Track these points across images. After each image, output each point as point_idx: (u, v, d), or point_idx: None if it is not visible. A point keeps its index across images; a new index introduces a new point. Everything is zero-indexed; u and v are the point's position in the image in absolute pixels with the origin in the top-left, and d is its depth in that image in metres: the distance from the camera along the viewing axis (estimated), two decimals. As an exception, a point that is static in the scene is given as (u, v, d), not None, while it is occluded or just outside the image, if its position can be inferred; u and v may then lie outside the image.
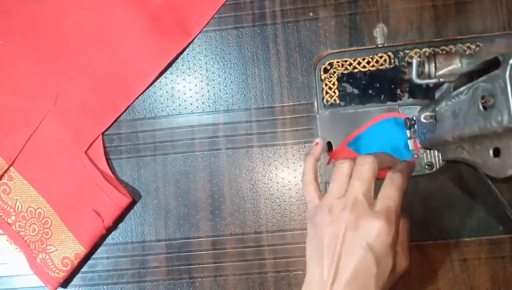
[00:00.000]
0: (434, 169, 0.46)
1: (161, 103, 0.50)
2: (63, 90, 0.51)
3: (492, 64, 0.29)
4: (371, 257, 0.34)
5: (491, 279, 0.45)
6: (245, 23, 0.50)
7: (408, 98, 0.47)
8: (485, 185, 0.37)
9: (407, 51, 0.48)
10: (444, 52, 0.47)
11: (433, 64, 0.36)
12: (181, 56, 0.50)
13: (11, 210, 0.50)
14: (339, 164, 0.38)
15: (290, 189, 0.48)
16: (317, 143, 0.43)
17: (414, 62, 0.37)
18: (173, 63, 0.50)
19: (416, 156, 0.46)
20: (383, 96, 0.47)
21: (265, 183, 0.49)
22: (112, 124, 0.50)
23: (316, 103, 0.48)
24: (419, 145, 0.46)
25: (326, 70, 0.48)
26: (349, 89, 0.48)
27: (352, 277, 0.34)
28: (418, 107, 0.46)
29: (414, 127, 0.45)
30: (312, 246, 0.37)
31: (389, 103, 0.47)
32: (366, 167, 0.36)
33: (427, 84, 0.37)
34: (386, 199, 0.36)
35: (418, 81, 0.37)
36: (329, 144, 0.47)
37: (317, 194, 0.39)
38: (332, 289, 0.34)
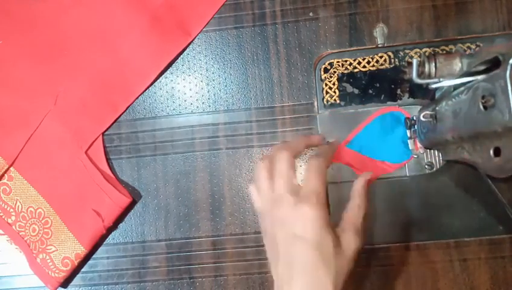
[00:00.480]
0: (434, 169, 0.46)
1: (161, 103, 0.50)
2: (63, 90, 0.51)
3: (493, 64, 0.29)
4: (305, 245, 0.33)
5: (491, 279, 0.45)
6: (245, 23, 0.50)
7: (408, 98, 0.47)
8: (485, 185, 0.37)
9: (407, 51, 0.48)
10: (444, 52, 0.47)
11: (433, 64, 0.36)
12: (181, 56, 0.50)
13: (11, 210, 0.50)
14: (258, 164, 0.38)
15: (290, 189, 0.48)
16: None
17: (414, 62, 0.37)
18: (173, 63, 0.50)
19: (415, 156, 0.46)
20: (383, 96, 0.47)
21: (265, 183, 0.48)
22: (112, 124, 0.50)
23: (316, 103, 0.48)
24: (419, 145, 0.46)
25: (326, 70, 0.48)
26: (349, 89, 0.48)
27: (302, 269, 0.33)
28: (418, 107, 0.46)
29: (414, 127, 0.45)
30: (267, 245, 0.37)
31: (389, 102, 0.47)
32: (282, 163, 0.36)
33: (427, 84, 0.37)
34: (306, 184, 0.35)
35: (418, 81, 0.37)
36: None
37: (256, 196, 0.39)
38: (291, 288, 0.33)
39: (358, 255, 0.43)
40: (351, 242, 0.34)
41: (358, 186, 0.38)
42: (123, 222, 0.50)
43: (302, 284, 0.33)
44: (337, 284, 0.33)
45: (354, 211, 0.37)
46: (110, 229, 0.49)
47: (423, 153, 0.46)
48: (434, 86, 0.36)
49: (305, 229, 0.33)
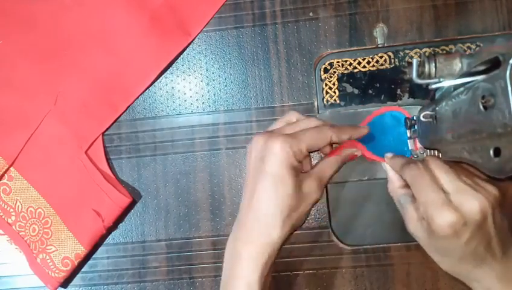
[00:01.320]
0: (434, 169, 0.46)
1: (161, 103, 0.50)
2: (63, 90, 0.51)
3: (493, 64, 0.29)
4: (266, 178, 0.34)
5: (491, 279, 0.45)
6: (245, 23, 0.50)
7: (408, 98, 0.47)
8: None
9: (407, 51, 0.48)
10: (444, 52, 0.47)
11: (433, 64, 0.36)
12: (181, 56, 0.50)
13: (11, 210, 0.50)
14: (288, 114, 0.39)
15: (290, 189, 0.48)
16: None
17: (414, 62, 0.37)
18: (173, 63, 0.50)
19: (415, 156, 0.46)
20: (383, 96, 0.47)
21: (265, 183, 0.48)
22: (112, 124, 0.50)
23: (316, 103, 0.48)
24: (419, 145, 0.46)
25: (326, 70, 0.48)
26: (349, 89, 0.48)
27: (258, 202, 0.34)
28: (418, 107, 0.46)
29: (414, 127, 0.45)
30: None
31: (389, 102, 0.47)
32: (310, 122, 0.37)
33: (427, 84, 0.37)
34: (299, 130, 0.36)
35: (418, 81, 0.37)
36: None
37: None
38: (246, 218, 0.35)
39: (358, 255, 0.43)
40: (311, 190, 0.36)
41: (346, 152, 0.39)
42: (123, 222, 0.50)
43: (254, 218, 0.35)
44: (286, 225, 0.34)
45: (326, 164, 0.38)
46: (110, 229, 0.49)
47: (423, 153, 0.46)
48: (434, 86, 0.36)
49: (270, 163, 0.34)
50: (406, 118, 0.46)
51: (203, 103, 0.50)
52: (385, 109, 0.47)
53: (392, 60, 0.48)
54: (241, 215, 0.36)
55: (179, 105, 0.50)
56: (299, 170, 0.35)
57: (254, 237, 0.35)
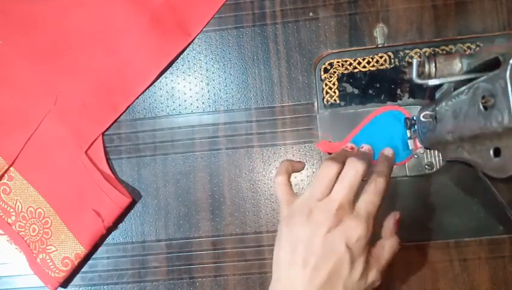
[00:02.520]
0: (434, 169, 0.46)
1: (161, 103, 0.50)
2: (63, 90, 0.51)
3: (493, 65, 0.29)
4: (348, 258, 0.34)
5: (491, 279, 0.45)
6: (245, 23, 0.50)
7: (408, 98, 0.47)
8: (485, 185, 0.37)
9: (407, 51, 0.48)
10: (444, 52, 0.47)
11: (433, 64, 0.36)
12: (181, 56, 0.50)
13: (11, 210, 0.50)
14: (326, 165, 0.37)
15: (290, 189, 0.48)
16: (352, 147, 0.43)
17: (414, 62, 0.37)
18: (173, 63, 0.50)
19: (415, 156, 0.46)
20: (383, 96, 0.47)
21: (265, 183, 0.49)
22: (112, 124, 0.50)
23: (316, 103, 0.48)
24: (419, 145, 0.46)
25: (326, 70, 0.48)
26: (349, 89, 0.48)
27: (328, 276, 0.34)
28: (418, 107, 0.46)
29: (414, 127, 0.45)
30: (284, 246, 0.36)
31: (389, 102, 0.47)
32: (357, 173, 0.36)
33: (427, 84, 0.37)
34: (369, 203, 0.36)
35: (418, 81, 0.37)
36: (329, 144, 0.47)
37: (292, 196, 0.38)
38: (308, 288, 0.34)
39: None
40: (374, 277, 0.36)
41: (389, 225, 0.39)
42: (123, 222, 0.50)
43: (325, 274, 0.34)
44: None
45: (384, 250, 0.38)
46: (110, 229, 0.49)
47: (423, 153, 0.46)
48: (431, 83, 0.36)
49: (355, 244, 0.34)
50: (406, 118, 0.46)
51: (203, 103, 0.50)
52: (385, 109, 0.47)
53: (392, 60, 0.48)
54: (298, 276, 0.35)
55: (179, 105, 0.50)
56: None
57: None
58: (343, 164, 0.37)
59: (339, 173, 0.37)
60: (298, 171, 0.41)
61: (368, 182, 0.37)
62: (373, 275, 0.36)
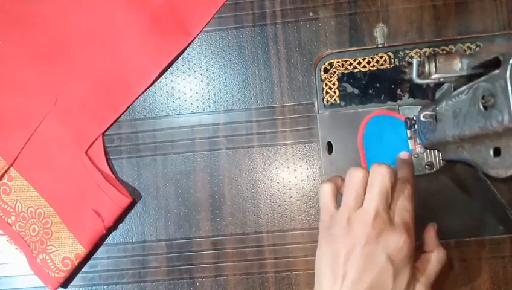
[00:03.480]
0: (434, 169, 0.46)
1: (161, 103, 0.50)
2: (63, 90, 0.51)
3: (493, 64, 0.29)
4: (390, 269, 0.33)
5: (491, 279, 0.45)
6: (245, 23, 0.50)
7: (408, 98, 0.47)
8: (485, 185, 0.37)
9: (407, 51, 0.48)
10: (444, 52, 0.47)
11: (433, 64, 0.36)
12: (181, 56, 0.50)
13: (11, 210, 0.50)
14: (353, 172, 0.36)
15: (290, 189, 0.48)
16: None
17: (414, 62, 0.37)
18: (173, 63, 0.50)
19: (416, 156, 0.46)
20: (383, 96, 0.47)
21: (265, 183, 0.49)
22: (112, 124, 0.50)
23: (316, 103, 0.48)
24: (419, 145, 0.46)
25: (326, 70, 0.48)
26: (349, 89, 0.48)
27: (370, 288, 0.33)
28: (418, 107, 0.46)
29: (414, 127, 0.45)
30: (325, 258, 0.36)
31: (389, 102, 0.47)
32: (385, 176, 0.35)
33: (427, 84, 0.37)
34: (403, 211, 0.35)
35: (418, 81, 0.37)
36: (329, 144, 0.47)
37: (335, 203, 0.37)
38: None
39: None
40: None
41: (431, 236, 0.39)
42: (123, 222, 0.50)
43: (367, 287, 0.33)
44: None
45: (433, 266, 0.37)
46: (110, 229, 0.49)
47: (423, 153, 0.46)
48: (433, 77, 0.36)
49: (397, 255, 0.34)
50: (406, 118, 0.46)
51: (203, 103, 0.50)
52: (382, 112, 0.47)
53: (392, 60, 0.48)
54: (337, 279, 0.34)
55: (179, 105, 0.50)
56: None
57: None
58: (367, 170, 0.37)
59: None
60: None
61: (396, 190, 0.36)
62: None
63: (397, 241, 0.34)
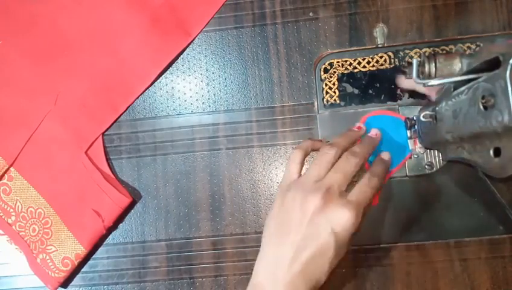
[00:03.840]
0: (434, 169, 0.46)
1: (161, 103, 0.50)
2: (63, 90, 0.51)
3: (493, 64, 0.29)
4: (332, 242, 0.35)
5: (491, 279, 0.45)
6: (245, 23, 0.50)
7: (408, 98, 0.47)
8: (485, 185, 0.37)
9: (407, 51, 0.48)
10: (444, 52, 0.47)
11: (433, 64, 0.36)
12: (181, 56, 0.50)
13: (11, 210, 0.50)
14: (326, 150, 0.39)
15: (290, 189, 0.48)
16: (321, 140, 0.45)
17: (414, 62, 0.37)
18: (173, 63, 0.50)
19: (415, 156, 0.46)
20: (383, 96, 0.47)
21: (265, 183, 0.49)
22: (112, 124, 0.50)
23: (316, 103, 0.48)
24: (419, 145, 0.46)
25: (326, 70, 0.48)
26: (349, 89, 0.48)
27: (311, 256, 0.35)
28: (418, 107, 0.46)
29: (414, 127, 0.45)
30: (275, 220, 0.38)
31: (389, 102, 0.47)
32: (352, 166, 0.38)
33: (427, 85, 0.37)
34: (360, 193, 0.37)
35: (418, 81, 0.37)
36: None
37: (299, 172, 0.40)
38: (292, 265, 0.35)
39: (358, 255, 0.43)
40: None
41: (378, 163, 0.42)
42: (123, 222, 0.50)
43: (309, 254, 0.35)
44: (329, 271, 0.37)
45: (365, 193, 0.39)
46: (110, 229, 0.49)
47: (423, 153, 0.46)
48: (431, 83, 0.36)
49: (341, 230, 0.35)
50: (406, 118, 0.46)
51: (203, 103, 0.50)
52: (381, 112, 0.47)
53: (392, 60, 0.48)
54: (288, 255, 0.36)
55: (179, 105, 0.50)
56: None
57: (306, 280, 0.36)
58: (345, 149, 0.40)
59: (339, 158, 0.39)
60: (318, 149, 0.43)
61: (363, 177, 0.39)
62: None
63: (342, 216, 0.35)
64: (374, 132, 0.44)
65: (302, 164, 0.41)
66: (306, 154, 0.42)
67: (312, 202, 0.36)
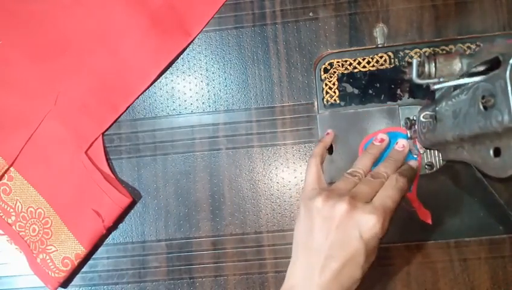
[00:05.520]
0: (434, 169, 0.46)
1: (161, 103, 0.50)
2: (63, 90, 0.51)
3: (493, 64, 0.29)
4: (362, 248, 0.34)
5: (491, 279, 0.45)
6: (245, 23, 0.50)
7: (408, 98, 0.47)
8: (485, 185, 0.37)
9: (407, 51, 0.48)
10: (444, 52, 0.47)
11: (433, 64, 0.36)
12: (181, 56, 0.50)
13: (11, 210, 0.50)
14: (350, 173, 0.40)
15: (290, 189, 0.48)
16: (328, 133, 0.46)
17: (414, 62, 0.37)
18: (173, 63, 0.50)
19: (416, 156, 0.46)
20: (383, 96, 0.47)
21: (265, 183, 0.49)
22: (112, 124, 0.50)
23: (316, 103, 0.48)
24: (419, 145, 0.46)
25: (326, 70, 0.48)
26: (349, 89, 0.48)
27: (342, 265, 0.34)
28: (418, 107, 0.46)
29: (414, 127, 0.45)
30: (302, 229, 0.38)
31: (389, 102, 0.47)
32: (377, 184, 0.38)
33: (427, 84, 0.37)
34: (387, 197, 0.37)
35: (418, 81, 0.37)
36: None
37: (318, 179, 0.40)
38: (321, 274, 0.35)
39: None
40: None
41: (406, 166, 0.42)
42: (123, 222, 0.50)
43: (340, 261, 0.35)
44: (361, 278, 0.36)
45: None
46: (110, 229, 0.49)
47: (423, 153, 0.46)
48: (436, 86, 0.36)
49: (369, 235, 0.35)
50: (406, 118, 0.46)
51: (203, 103, 0.50)
52: (384, 130, 0.47)
53: (392, 60, 0.48)
54: (315, 259, 0.36)
55: (179, 105, 0.50)
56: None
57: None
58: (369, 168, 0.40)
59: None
60: (330, 142, 0.46)
61: (389, 178, 0.38)
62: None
63: (369, 220, 0.35)
64: (400, 145, 0.45)
65: (320, 170, 0.42)
66: (322, 160, 0.42)
67: (339, 208, 0.35)
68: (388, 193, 0.37)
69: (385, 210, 0.35)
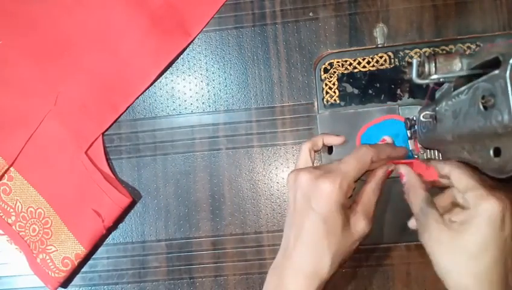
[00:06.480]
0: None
1: (161, 103, 0.50)
2: (63, 90, 0.51)
3: (493, 64, 0.29)
4: (315, 216, 0.34)
5: (491, 279, 0.45)
6: (245, 23, 0.50)
7: (408, 98, 0.47)
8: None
9: (407, 51, 0.48)
10: (444, 52, 0.47)
11: (433, 64, 0.36)
12: (181, 56, 0.50)
13: (11, 210, 0.50)
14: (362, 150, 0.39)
15: (290, 189, 0.48)
16: (339, 136, 0.45)
17: (414, 62, 0.37)
18: (173, 63, 0.50)
19: (416, 156, 0.46)
20: (383, 96, 0.47)
21: (265, 183, 0.49)
22: (112, 124, 0.50)
23: (316, 103, 0.48)
24: (419, 145, 0.46)
25: (326, 70, 0.48)
26: (349, 89, 0.48)
27: (307, 237, 0.35)
28: (418, 107, 0.46)
29: (414, 127, 0.45)
30: (287, 211, 0.38)
31: (389, 102, 0.47)
32: (350, 164, 0.37)
33: (427, 84, 0.37)
34: (340, 164, 0.36)
35: (418, 81, 0.37)
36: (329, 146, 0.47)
37: (305, 162, 0.41)
38: (293, 250, 0.35)
39: (358, 255, 0.43)
40: (359, 225, 0.36)
41: (379, 173, 0.39)
42: (123, 222, 0.50)
43: (303, 251, 0.35)
44: (335, 260, 0.35)
45: (368, 196, 0.38)
46: (110, 229, 0.49)
47: (423, 153, 0.46)
48: (433, 77, 0.36)
49: (319, 201, 0.34)
50: (406, 118, 0.46)
51: (203, 103, 0.50)
52: (382, 118, 0.47)
53: (392, 60, 0.48)
54: (288, 247, 0.36)
55: (179, 105, 0.50)
56: (347, 205, 0.36)
57: (303, 269, 0.35)
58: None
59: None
60: (334, 144, 0.45)
61: (354, 149, 0.38)
62: (359, 223, 0.36)
63: (319, 189, 0.35)
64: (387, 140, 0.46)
65: (308, 154, 0.41)
66: (313, 146, 0.42)
67: (298, 185, 0.36)
68: (343, 160, 0.37)
69: (335, 175, 0.35)
